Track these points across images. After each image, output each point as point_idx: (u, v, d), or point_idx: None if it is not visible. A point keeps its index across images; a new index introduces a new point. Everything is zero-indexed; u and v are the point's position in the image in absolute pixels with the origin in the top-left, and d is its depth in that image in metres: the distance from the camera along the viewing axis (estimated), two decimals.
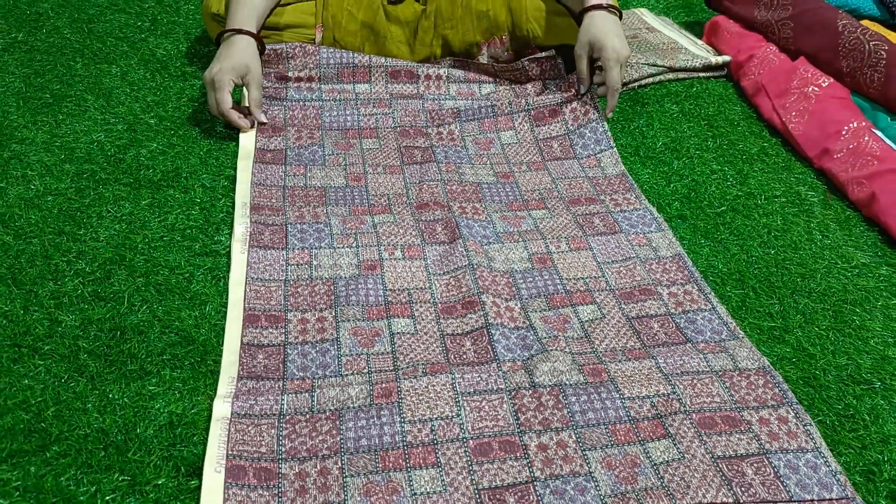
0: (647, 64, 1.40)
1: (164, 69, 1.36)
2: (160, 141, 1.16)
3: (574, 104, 1.26)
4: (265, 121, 1.18)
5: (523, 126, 1.26)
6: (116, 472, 0.69)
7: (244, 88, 1.18)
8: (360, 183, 1.11)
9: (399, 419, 0.75)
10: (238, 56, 1.15)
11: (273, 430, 0.74)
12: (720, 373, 0.81)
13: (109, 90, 1.28)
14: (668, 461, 0.72)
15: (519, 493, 0.69)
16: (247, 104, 1.19)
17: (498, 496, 0.68)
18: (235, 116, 1.16)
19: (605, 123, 1.22)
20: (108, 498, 0.66)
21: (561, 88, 1.30)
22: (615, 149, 1.19)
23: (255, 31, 1.18)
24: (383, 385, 0.79)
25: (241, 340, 0.83)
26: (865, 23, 1.40)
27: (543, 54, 1.34)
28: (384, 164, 1.15)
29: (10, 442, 0.71)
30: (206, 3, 1.29)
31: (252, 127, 1.18)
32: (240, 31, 1.17)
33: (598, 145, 1.21)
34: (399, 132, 1.22)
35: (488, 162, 1.19)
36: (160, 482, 0.68)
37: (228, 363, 0.80)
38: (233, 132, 1.18)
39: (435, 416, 0.76)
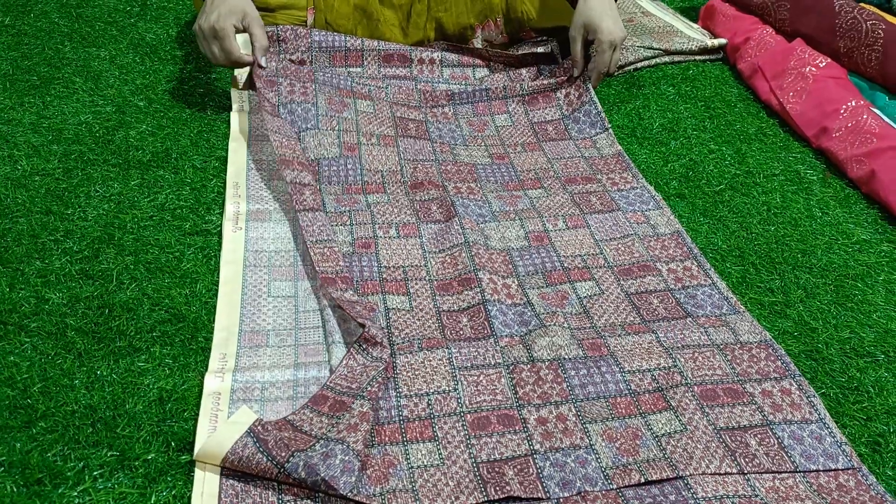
0: (643, 47, 1.39)
1: (153, 53, 1.34)
2: (150, 123, 1.14)
3: (568, 89, 1.24)
4: (265, 66, 1.14)
5: (517, 109, 1.24)
6: (104, 447, 0.67)
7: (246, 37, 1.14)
8: (353, 153, 1.08)
9: (395, 394, 0.73)
10: (233, 0, 1.12)
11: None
12: (721, 346, 0.80)
13: (98, 73, 1.26)
14: (670, 433, 0.70)
15: (518, 466, 0.67)
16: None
17: (497, 469, 0.67)
18: (248, 58, 1.13)
19: (600, 105, 1.21)
20: (95, 473, 0.64)
21: (555, 73, 1.29)
22: (611, 131, 1.18)
23: None
24: None
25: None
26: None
27: (540, 49, 1.32)
28: (378, 132, 1.13)
29: None
30: None
31: (260, 62, 1.14)
32: None
33: (594, 129, 1.19)
34: (392, 104, 1.20)
35: (483, 143, 1.17)
36: (150, 457, 0.66)
37: (220, 340, 0.79)
38: (224, 111, 1.17)
39: (431, 391, 0.74)
